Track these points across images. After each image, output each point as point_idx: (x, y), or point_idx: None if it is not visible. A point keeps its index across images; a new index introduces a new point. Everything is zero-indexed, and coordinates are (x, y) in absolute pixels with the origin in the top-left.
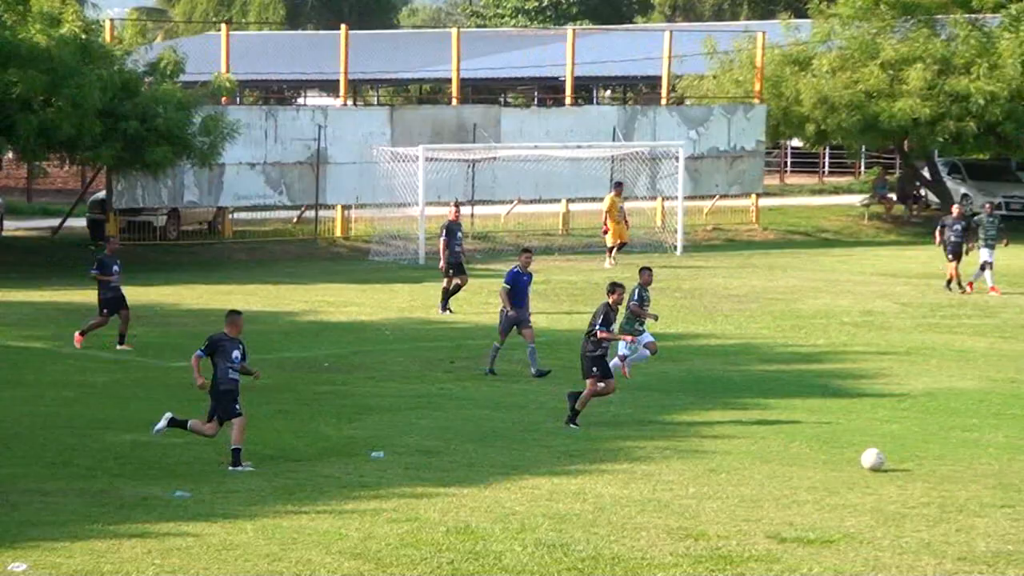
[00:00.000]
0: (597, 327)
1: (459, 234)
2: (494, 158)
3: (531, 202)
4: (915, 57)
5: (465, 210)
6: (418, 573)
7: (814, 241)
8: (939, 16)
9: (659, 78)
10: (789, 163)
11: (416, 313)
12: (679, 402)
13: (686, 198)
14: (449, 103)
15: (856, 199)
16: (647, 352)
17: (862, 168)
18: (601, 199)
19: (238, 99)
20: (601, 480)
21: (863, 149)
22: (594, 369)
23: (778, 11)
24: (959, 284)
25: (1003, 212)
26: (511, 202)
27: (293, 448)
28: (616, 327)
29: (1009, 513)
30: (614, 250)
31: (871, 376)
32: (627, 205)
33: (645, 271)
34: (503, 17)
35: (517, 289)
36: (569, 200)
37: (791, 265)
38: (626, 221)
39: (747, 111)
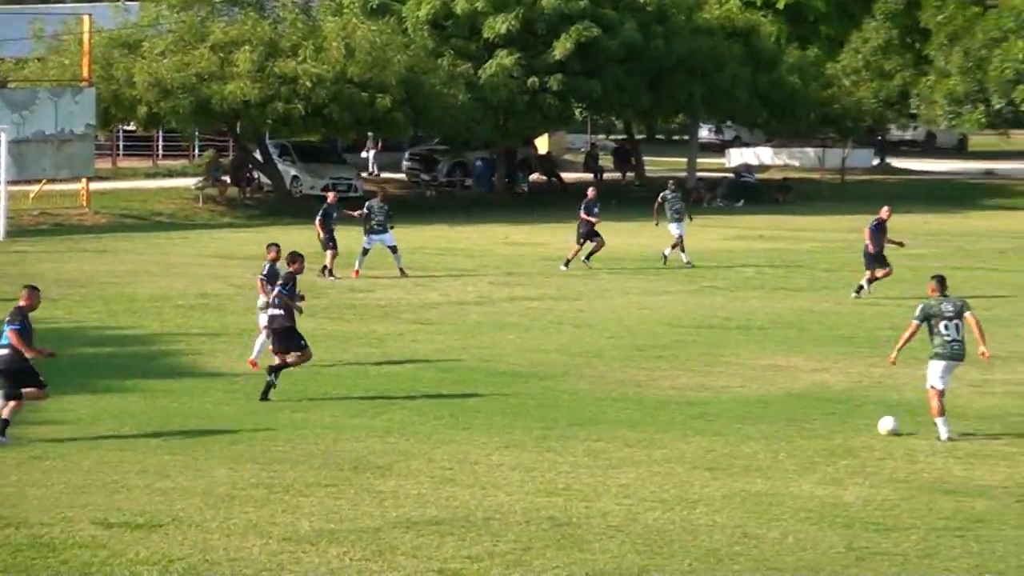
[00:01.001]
0: (281, 289)
1: None
2: None
3: None
4: (244, 40)
5: None
6: None
7: (149, 224)
8: (267, 0)
9: None
10: (122, 146)
11: None
12: None
13: (11, 182)
14: None
15: (191, 182)
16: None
17: (196, 151)
18: None
19: None
20: None
21: (197, 132)
22: (291, 341)
23: None
24: (328, 272)
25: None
26: None
27: None
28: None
29: (333, 492)
30: None
31: (206, 357)
32: None
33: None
34: None
35: None
36: None
37: (125, 249)
38: None
39: (75, 94)
